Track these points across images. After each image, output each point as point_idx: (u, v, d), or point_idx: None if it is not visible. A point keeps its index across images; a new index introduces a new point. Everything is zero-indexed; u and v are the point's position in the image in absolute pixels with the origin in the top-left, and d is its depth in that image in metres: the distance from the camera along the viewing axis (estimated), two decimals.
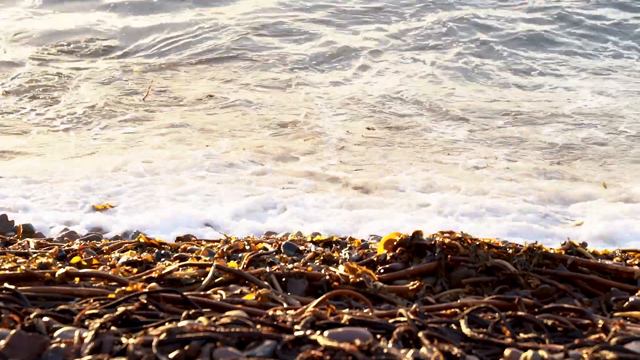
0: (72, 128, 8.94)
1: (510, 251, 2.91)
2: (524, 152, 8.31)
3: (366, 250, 3.16)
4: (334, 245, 3.61)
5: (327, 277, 2.66)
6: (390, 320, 2.05)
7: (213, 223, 5.95)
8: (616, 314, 2.55)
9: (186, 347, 1.73)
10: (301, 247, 3.43)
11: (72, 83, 10.60)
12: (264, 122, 9.09)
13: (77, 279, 2.56)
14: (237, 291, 2.46)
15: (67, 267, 2.65)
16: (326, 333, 1.82)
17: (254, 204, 6.40)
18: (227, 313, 2.04)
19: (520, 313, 2.15)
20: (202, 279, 2.62)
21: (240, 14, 13.77)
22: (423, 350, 1.79)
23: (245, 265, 2.89)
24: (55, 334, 1.85)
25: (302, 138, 8.50)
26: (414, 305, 2.21)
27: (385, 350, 1.75)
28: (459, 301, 2.50)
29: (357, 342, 1.76)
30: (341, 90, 10.49)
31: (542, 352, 1.78)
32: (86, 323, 1.95)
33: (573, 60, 11.92)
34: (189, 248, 3.55)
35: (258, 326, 1.90)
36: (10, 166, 7.53)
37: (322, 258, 3.08)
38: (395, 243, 2.96)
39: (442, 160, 7.93)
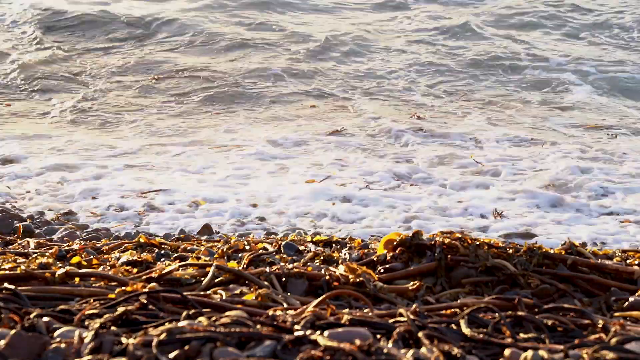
0: None
1: (510, 251, 2.91)
2: None
3: (366, 250, 3.16)
4: (333, 245, 3.61)
5: (327, 277, 2.66)
6: (390, 320, 2.05)
7: None
8: (616, 314, 2.55)
9: (186, 347, 1.73)
10: (301, 247, 3.43)
11: None
12: None
13: (77, 279, 2.56)
14: (237, 291, 2.46)
15: (67, 267, 2.64)
16: (326, 333, 1.82)
17: None
18: (227, 313, 2.04)
19: (520, 313, 2.15)
20: (202, 279, 2.62)
21: None
22: (423, 350, 1.79)
23: (245, 265, 2.89)
24: (55, 334, 1.85)
25: None
26: (414, 305, 2.21)
27: (385, 350, 1.75)
28: (459, 301, 2.50)
29: (357, 342, 1.76)
30: None
31: (542, 352, 1.78)
32: (86, 323, 1.95)
33: None
34: (189, 248, 3.55)
35: (258, 326, 1.90)
36: None
37: (322, 258, 3.08)
38: (395, 243, 2.96)
39: None
